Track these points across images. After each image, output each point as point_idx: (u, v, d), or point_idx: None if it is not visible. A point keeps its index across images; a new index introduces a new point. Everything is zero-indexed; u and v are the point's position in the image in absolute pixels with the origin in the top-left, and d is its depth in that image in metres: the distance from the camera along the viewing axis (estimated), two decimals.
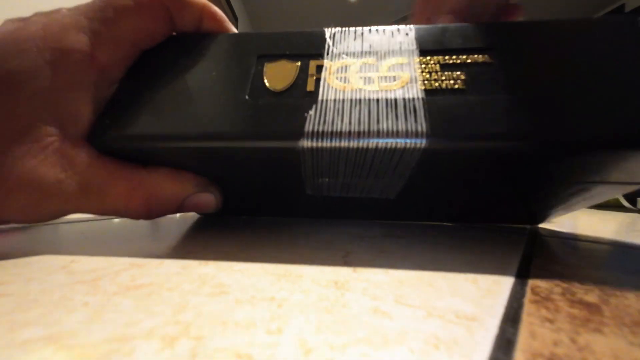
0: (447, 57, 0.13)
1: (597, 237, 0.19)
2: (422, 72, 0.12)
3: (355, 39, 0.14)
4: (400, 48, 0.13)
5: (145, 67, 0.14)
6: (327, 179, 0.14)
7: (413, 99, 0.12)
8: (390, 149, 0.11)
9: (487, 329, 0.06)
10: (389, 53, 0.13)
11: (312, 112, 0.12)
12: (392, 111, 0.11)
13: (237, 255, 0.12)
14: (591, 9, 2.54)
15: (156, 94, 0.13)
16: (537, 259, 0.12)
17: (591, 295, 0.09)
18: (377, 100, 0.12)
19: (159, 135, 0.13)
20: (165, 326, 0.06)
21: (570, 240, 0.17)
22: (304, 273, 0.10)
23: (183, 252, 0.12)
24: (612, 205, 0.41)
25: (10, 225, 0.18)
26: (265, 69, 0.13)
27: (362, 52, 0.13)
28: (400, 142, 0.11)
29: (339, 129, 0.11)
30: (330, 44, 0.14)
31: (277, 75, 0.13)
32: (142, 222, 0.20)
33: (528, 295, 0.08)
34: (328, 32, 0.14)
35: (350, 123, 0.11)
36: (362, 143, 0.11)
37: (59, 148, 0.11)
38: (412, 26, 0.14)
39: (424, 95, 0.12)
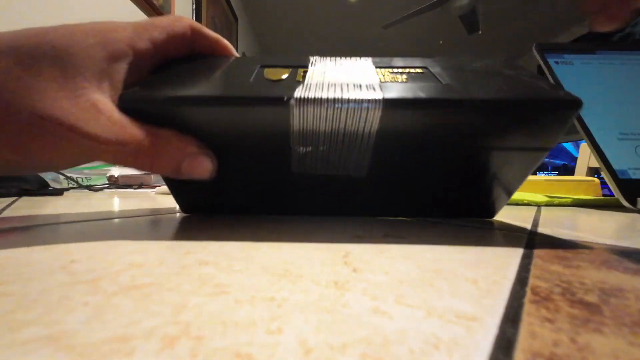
0: (394, 70, 0.19)
1: (597, 237, 0.19)
2: (378, 75, 0.18)
3: (331, 60, 0.20)
4: (363, 65, 0.19)
5: (171, 63, 0.19)
6: (309, 148, 0.18)
7: (372, 84, 0.17)
8: (357, 112, 0.16)
9: (487, 329, 0.06)
10: (355, 67, 0.19)
11: (300, 87, 0.16)
12: (358, 88, 0.16)
13: (237, 255, 0.12)
14: None
15: (177, 77, 0.17)
16: (537, 259, 0.12)
17: (591, 295, 0.09)
18: (347, 84, 0.17)
19: (177, 98, 0.15)
20: (165, 326, 0.06)
21: (570, 241, 0.17)
22: (304, 273, 0.10)
23: (183, 252, 0.12)
24: (612, 205, 0.41)
25: (10, 225, 0.18)
26: (265, 71, 0.18)
27: (336, 65, 0.19)
28: (364, 106, 0.15)
29: (319, 96, 0.15)
30: (314, 61, 0.19)
31: (274, 73, 0.18)
32: (141, 223, 0.20)
33: (528, 295, 0.08)
34: (312, 57, 0.20)
35: (327, 93, 0.16)
36: (337, 108, 0.16)
37: (90, 99, 0.14)
38: (369, 57, 0.20)
39: (379, 83, 0.17)
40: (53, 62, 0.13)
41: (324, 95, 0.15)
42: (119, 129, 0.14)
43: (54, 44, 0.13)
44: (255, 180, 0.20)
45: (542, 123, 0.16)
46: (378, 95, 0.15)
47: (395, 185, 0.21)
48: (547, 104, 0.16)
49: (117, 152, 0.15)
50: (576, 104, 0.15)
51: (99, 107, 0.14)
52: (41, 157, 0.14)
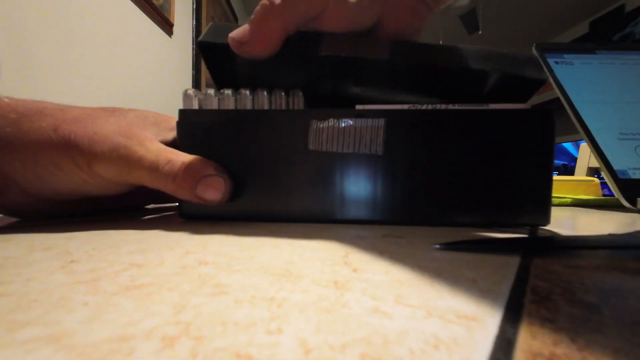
0: None
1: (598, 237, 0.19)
2: None
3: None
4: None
5: None
6: (325, 122, 0.20)
7: None
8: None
9: (487, 329, 0.06)
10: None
11: None
12: None
13: (237, 255, 0.12)
14: (592, 9, 2.54)
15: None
16: (537, 259, 0.12)
17: (591, 295, 0.09)
18: None
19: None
20: (165, 326, 0.06)
21: (570, 241, 0.17)
22: (304, 273, 0.10)
23: (183, 252, 0.12)
24: (612, 205, 0.41)
25: (10, 225, 0.18)
26: None
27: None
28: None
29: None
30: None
31: None
32: (141, 223, 0.20)
33: (528, 295, 0.08)
34: None
35: None
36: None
37: (144, 138, 0.19)
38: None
39: None
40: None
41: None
42: (158, 152, 0.19)
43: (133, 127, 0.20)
44: (271, 168, 0.21)
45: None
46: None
47: (421, 178, 0.20)
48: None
49: (152, 172, 0.18)
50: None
51: (147, 141, 0.19)
52: (102, 172, 0.18)
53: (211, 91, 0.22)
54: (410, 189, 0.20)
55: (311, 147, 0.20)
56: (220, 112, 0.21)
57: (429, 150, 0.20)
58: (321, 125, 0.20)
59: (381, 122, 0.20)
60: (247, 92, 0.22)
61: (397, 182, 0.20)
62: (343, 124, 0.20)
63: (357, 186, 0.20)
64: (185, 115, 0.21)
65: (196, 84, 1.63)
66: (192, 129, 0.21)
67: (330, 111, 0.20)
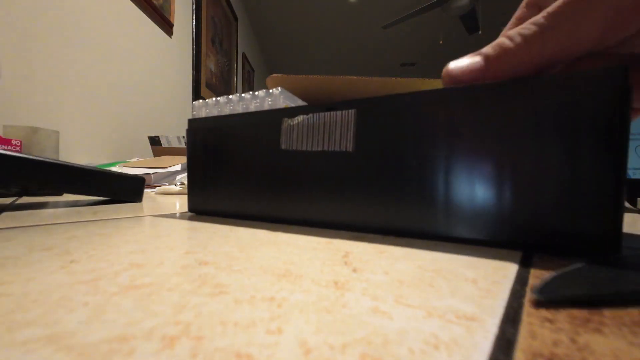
0: None
1: None
2: None
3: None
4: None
5: None
6: (297, 120, 0.19)
7: None
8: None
9: (487, 329, 0.06)
10: None
11: None
12: None
13: (237, 255, 0.12)
14: None
15: None
16: (537, 258, 0.12)
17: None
18: None
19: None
20: (165, 326, 0.06)
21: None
22: (304, 273, 0.10)
23: (183, 252, 0.12)
24: None
25: (10, 225, 0.18)
26: None
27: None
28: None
29: None
30: None
31: None
32: (141, 223, 0.20)
33: (528, 295, 0.08)
34: None
35: None
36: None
37: None
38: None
39: None
40: None
41: None
42: None
43: None
44: (250, 170, 0.21)
45: None
46: None
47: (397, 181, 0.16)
48: None
49: None
50: None
51: None
52: None
53: (212, 100, 0.24)
54: (383, 190, 0.16)
55: (283, 146, 0.19)
56: (216, 119, 0.23)
57: (403, 143, 0.16)
58: (291, 123, 0.19)
59: (351, 113, 0.17)
60: (245, 96, 0.22)
61: (368, 183, 0.17)
62: (312, 120, 0.18)
63: (333, 187, 0.18)
64: (193, 124, 0.24)
65: (196, 83, 1.63)
66: (200, 135, 0.23)
67: (300, 107, 0.19)
